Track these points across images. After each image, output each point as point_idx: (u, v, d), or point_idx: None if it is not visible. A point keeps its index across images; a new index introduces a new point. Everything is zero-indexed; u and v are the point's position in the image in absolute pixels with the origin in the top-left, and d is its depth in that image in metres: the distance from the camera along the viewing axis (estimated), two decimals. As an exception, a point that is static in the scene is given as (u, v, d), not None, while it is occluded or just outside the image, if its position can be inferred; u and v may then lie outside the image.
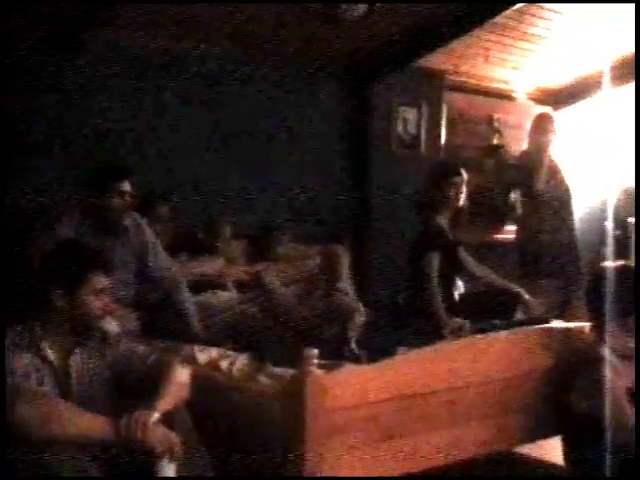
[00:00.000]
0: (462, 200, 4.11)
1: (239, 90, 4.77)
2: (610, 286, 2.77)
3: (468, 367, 2.76)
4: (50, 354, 2.30)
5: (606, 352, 2.76)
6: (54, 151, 4.09)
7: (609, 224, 4.48)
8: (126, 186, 3.38)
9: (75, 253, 2.44)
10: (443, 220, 4.10)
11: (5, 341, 2.25)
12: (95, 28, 4.02)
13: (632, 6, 4.34)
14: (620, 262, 3.03)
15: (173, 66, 4.53)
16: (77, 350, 2.35)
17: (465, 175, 4.12)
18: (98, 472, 2.16)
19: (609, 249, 3.87)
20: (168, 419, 2.23)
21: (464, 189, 4.11)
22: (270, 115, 4.90)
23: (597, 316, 2.88)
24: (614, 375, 2.70)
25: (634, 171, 5.12)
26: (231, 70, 4.73)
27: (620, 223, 4.97)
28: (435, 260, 3.94)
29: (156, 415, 2.18)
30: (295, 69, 5.01)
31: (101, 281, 2.37)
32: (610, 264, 2.99)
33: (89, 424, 2.13)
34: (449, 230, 4.11)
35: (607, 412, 2.60)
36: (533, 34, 5.17)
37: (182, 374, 2.39)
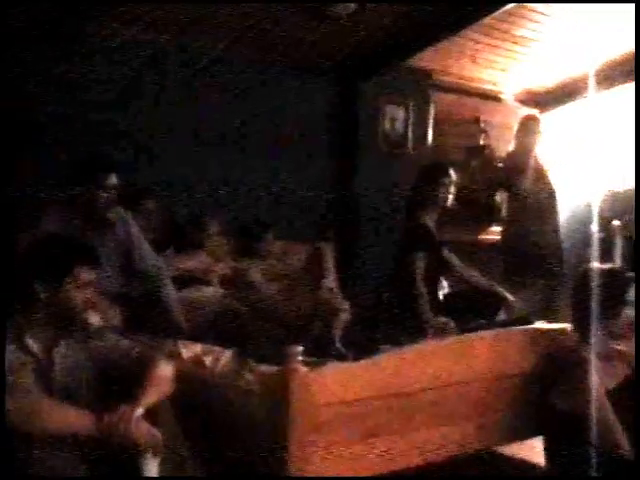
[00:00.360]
0: (449, 200, 4.12)
1: (227, 87, 4.77)
2: (596, 288, 2.79)
3: (451, 366, 2.78)
4: (34, 347, 2.29)
5: (588, 353, 2.78)
6: (40, 143, 4.08)
7: (594, 226, 4.50)
8: (112, 179, 3.36)
9: (61, 246, 2.43)
10: (429, 220, 4.11)
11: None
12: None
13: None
14: (608, 265, 3.05)
15: (162, 60, 4.53)
16: (61, 343, 2.34)
17: (454, 175, 4.13)
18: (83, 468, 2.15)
19: (593, 251, 3.88)
20: (151, 414, 2.23)
21: (452, 189, 4.12)
22: (257, 112, 4.89)
23: (581, 317, 2.90)
24: (596, 376, 2.72)
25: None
26: (219, 67, 4.72)
27: (604, 225, 4.99)
28: (421, 259, 3.95)
29: (139, 410, 2.18)
30: (283, 66, 5.01)
31: (87, 275, 2.36)
32: (597, 266, 3.01)
33: (72, 419, 2.13)
34: (435, 230, 4.12)
35: (588, 412, 2.62)
36: (521, 36, 5.19)
37: (165, 369, 2.38)
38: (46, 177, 3.90)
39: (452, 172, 4.13)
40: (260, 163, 4.90)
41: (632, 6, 4.21)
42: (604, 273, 2.88)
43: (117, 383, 2.39)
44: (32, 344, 2.29)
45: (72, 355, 2.37)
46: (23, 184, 3.88)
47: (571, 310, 3.01)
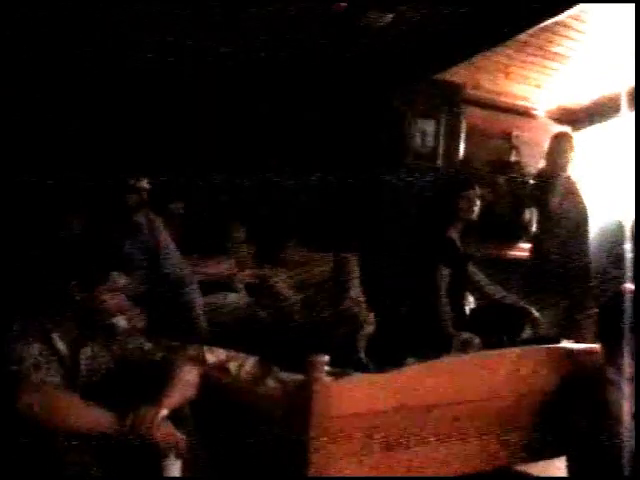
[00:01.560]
0: (474, 214, 4.10)
1: (256, 93, 4.77)
2: (625, 309, 2.76)
3: (474, 382, 2.75)
4: (61, 346, 2.31)
5: (615, 375, 2.75)
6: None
7: (626, 246, 4.44)
8: (143, 183, 3.39)
9: (97, 250, 2.46)
10: (454, 233, 4.09)
11: (14, 330, 2.26)
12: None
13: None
14: (632, 286, 3.00)
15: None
16: (88, 344, 2.36)
17: (478, 189, 4.11)
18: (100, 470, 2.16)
19: (625, 271, 3.84)
20: (171, 417, 2.24)
21: (477, 203, 4.10)
22: (285, 123, 4.90)
23: (607, 338, 2.87)
24: (621, 398, 2.68)
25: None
26: (249, 71, 4.73)
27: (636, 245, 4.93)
28: (445, 273, 3.94)
29: (163, 412, 2.19)
30: (313, 75, 5.01)
31: (120, 279, 2.39)
32: (628, 286, 2.96)
33: (95, 417, 2.14)
34: (460, 244, 4.10)
35: (613, 434, 2.59)
36: (555, 52, 5.16)
37: (190, 373, 2.40)
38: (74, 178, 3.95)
39: (476, 186, 4.12)
40: (287, 172, 4.90)
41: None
42: (635, 294, 2.84)
43: (140, 385, 2.40)
44: (59, 343, 2.31)
45: (98, 356, 2.39)
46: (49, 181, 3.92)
47: (599, 329, 2.97)
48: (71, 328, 2.35)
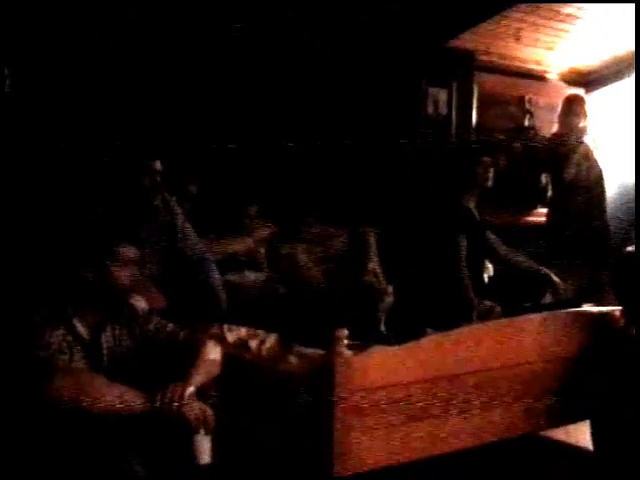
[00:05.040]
0: (490, 181, 4.08)
1: (267, 65, 4.74)
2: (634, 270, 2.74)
3: (497, 350, 2.75)
4: (82, 330, 2.33)
5: (635, 335, 2.74)
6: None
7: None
8: (157, 165, 3.39)
9: (103, 227, 2.47)
10: (471, 201, 4.07)
11: (37, 317, 2.29)
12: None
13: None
14: None
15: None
16: (108, 327, 2.38)
17: (493, 156, 4.08)
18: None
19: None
20: (198, 395, 2.26)
21: (492, 170, 4.08)
22: (294, 97, 4.87)
23: (624, 299, 2.86)
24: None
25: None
26: (259, 41, 4.70)
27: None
28: (463, 242, 3.92)
29: (191, 389, 2.21)
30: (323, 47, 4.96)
31: (127, 252, 2.39)
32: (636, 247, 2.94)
33: (125, 397, 2.16)
34: (477, 212, 4.08)
35: (635, 396, 2.58)
36: (567, 14, 5.09)
37: (214, 351, 2.42)
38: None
39: (491, 152, 4.09)
40: (302, 147, 4.88)
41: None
42: None
43: (164, 366, 2.42)
44: (80, 327, 2.33)
45: (119, 339, 2.41)
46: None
47: (613, 292, 2.96)
48: (91, 312, 2.37)
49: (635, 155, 5.03)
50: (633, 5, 4.11)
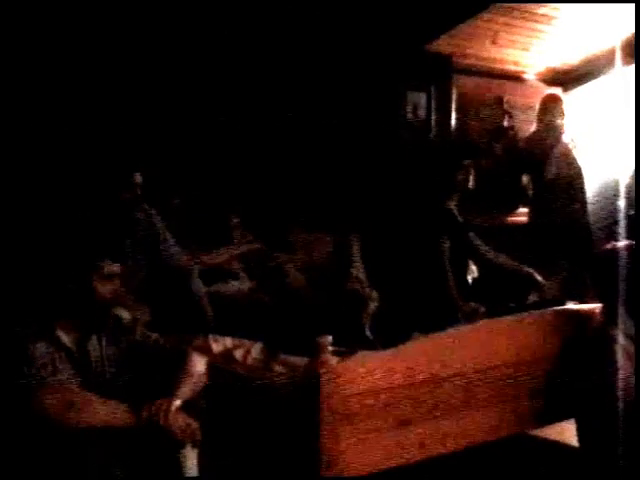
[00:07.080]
0: (471, 183, 4.10)
1: (239, 71, 4.74)
2: (616, 266, 2.74)
3: (483, 351, 2.76)
4: (66, 340, 2.32)
5: (616, 333, 2.74)
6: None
7: (621, 203, 4.44)
8: (137, 178, 3.39)
9: (85, 241, 2.46)
10: (453, 204, 4.09)
11: (17, 331, 2.27)
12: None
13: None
14: (625, 242, 2.97)
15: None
16: (94, 336, 2.37)
17: (473, 158, 4.10)
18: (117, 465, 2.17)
19: (621, 228, 3.83)
20: (184, 408, 2.26)
21: (472, 172, 4.09)
22: (278, 104, 4.87)
23: (605, 297, 2.87)
24: (624, 356, 2.68)
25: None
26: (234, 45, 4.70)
27: (633, 202, 4.93)
28: (446, 244, 3.93)
29: (177, 403, 2.21)
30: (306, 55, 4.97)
31: (110, 267, 2.39)
32: (615, 244, 2.94)
33: (111, 411, 2.16)
34: (459, 214, 4.09)
35: (617, 393, 2.59)
36: (542, 14, 5.12)
37: (200, 363, 2.42)
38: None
39: (471, 154, 4.11)
40: (283, 154, 4.88)
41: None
42: (624, 250, 2.81)
43: (150, 377, 2.41)
44: (64, 337, 2.31)
45: (105, 349, 2.40)
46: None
47: (594, 290, 2.97)
48: (74, 322, 2.35)
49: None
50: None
